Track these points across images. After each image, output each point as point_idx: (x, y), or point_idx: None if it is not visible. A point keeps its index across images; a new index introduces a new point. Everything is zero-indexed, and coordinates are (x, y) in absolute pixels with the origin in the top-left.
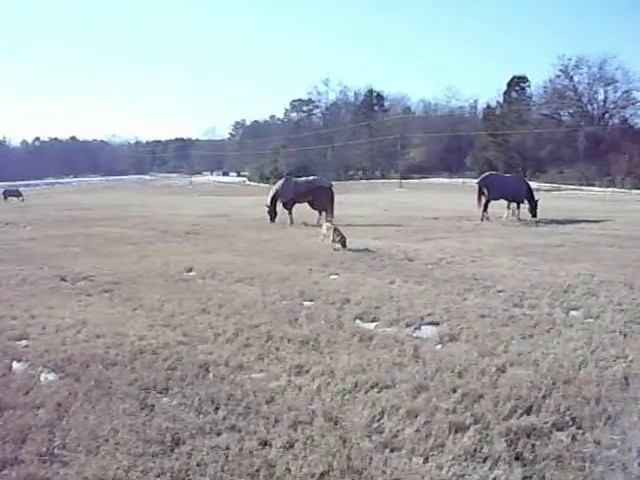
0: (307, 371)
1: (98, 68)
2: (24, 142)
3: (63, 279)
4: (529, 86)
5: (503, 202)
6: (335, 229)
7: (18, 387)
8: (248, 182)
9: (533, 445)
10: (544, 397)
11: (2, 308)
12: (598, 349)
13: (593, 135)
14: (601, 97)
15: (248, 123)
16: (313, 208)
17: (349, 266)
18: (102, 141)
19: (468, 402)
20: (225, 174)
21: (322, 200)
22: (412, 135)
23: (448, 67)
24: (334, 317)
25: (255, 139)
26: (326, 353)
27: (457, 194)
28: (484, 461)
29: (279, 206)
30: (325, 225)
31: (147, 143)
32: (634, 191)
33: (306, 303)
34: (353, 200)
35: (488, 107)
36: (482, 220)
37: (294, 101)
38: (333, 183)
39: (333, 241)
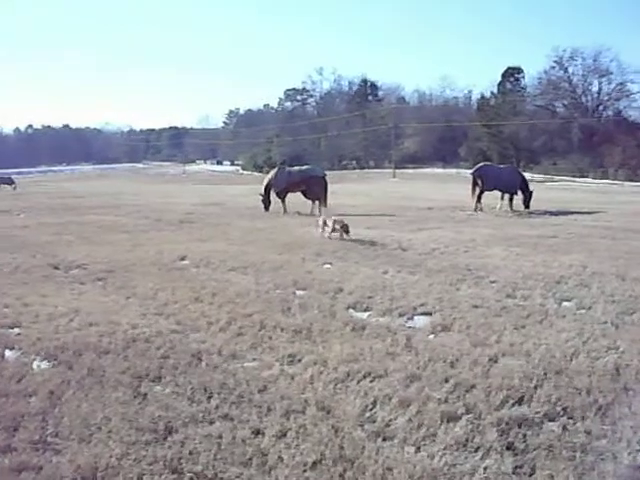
0: (300, 360)
1: (92, 57)
2: (17, 130)
3: (56, 267)
4: (523, 77)
5: (497, 193)
6: (335, 219)
7: (11, 375)
8: (242, 171)
9: (524, 435)
10: (536, 387)
11: None
12: (590, 340)
13: (587, 127)
14: (595, 89)
15: (242, 112)
16: (306, 197)
17: (342, 255)
18: (95, 129)
19: (460, 392)
20: (219, 163)
21: (315, 190)
22: (406, 125)
23: (443, 57)
24: (327, 306)
25: (249, 128)
26: (319, 342)
27: (451, 184)
28: (476, 451)
29: (273, 195)
30: (322, 217)
31: (141, 131)
32: (627, 183)
33: (299, 292)
34: (347, 190)
35: (482, 98)
36: (476, 211)
37: (288, 90)
38: (327, 173)
39: (333, 231)
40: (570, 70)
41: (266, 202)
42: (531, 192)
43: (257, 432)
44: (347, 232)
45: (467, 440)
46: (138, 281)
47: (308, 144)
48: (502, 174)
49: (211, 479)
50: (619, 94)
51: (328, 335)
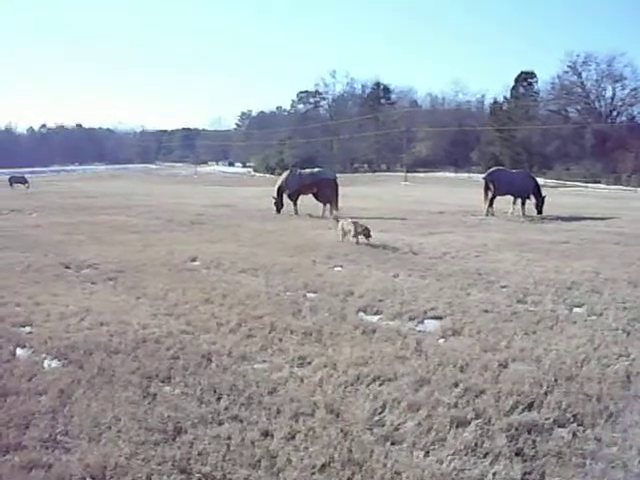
0: (309, 363)
1: (105, 56)
2: (30, 129)
3: (67, 267)
4: (537, 82)
5: (509, 197)
6: (356, 223)
7: (22, 373)
8: (254, 173)
9: (534, 441)
10: (546, 393)
11: (6, 294)
12: (601, 346)
13: (600, 132)
14: (609, 94)
15: (254, 114)
16: (317, 200)
17: (353, 258)
18: (108, 129)
19: (470, 397)
20: (231, 164)
21: (326, 192)
22: (418, 129)
23: (456, 61)
24: (337, 309)
25: (261, 130)
26: (329, 345)
27: (463, 189)
28: (485, 456)
29: (285, 198)
30: (342, 221)
31: (153, 132)
32: None
33: (310, 295)
34: (358, 192)
35: (495, 102)
36: (487, 215)
37: (301, 92)
38: (338, 175)
39: (355, 235)
40: (584, 75)
41: (278, 204)
42: (544, 197)
43: (266, 434)
44: (368, 237)
45: (476, 445)
46: (149, 281)
47: (320, 146)
48: (515, 179)
49: None
50: (633, 100)
51: (338, 338)
